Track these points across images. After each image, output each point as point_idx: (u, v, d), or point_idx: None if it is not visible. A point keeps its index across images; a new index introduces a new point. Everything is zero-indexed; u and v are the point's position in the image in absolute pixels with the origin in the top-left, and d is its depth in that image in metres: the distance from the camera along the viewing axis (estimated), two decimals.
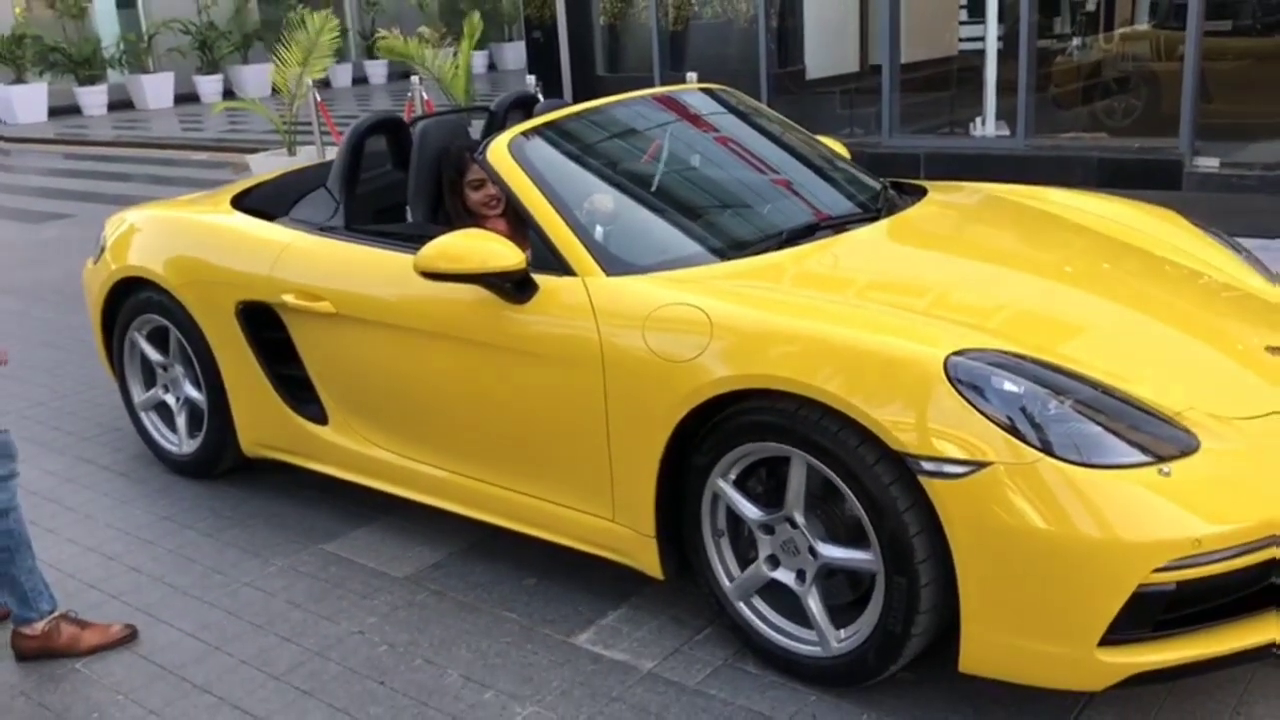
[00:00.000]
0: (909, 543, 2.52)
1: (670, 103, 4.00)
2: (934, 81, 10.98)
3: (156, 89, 21.37)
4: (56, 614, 3.22)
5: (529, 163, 3.35)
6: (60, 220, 10.33)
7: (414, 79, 10.82)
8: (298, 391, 3.94)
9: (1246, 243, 3.86)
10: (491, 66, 25.68)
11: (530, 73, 11.81)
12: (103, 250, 4.47)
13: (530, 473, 3.29)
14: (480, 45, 22.09)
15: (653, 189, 3.56)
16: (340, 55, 14.09)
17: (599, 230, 3.25)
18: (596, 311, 3.01)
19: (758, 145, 4.00)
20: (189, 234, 4.24)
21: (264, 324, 3.91)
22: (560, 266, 3.15)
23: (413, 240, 3.45)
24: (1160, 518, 2.36)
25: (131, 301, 4.33)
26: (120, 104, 21.18)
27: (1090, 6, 10.89)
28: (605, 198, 3.44)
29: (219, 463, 4.29)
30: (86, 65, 20.38)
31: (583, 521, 3.19)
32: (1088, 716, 2.69)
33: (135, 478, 4.44)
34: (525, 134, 3.48)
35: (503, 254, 3.08)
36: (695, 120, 3.97)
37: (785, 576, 2.86)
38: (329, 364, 3.78)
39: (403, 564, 3.62)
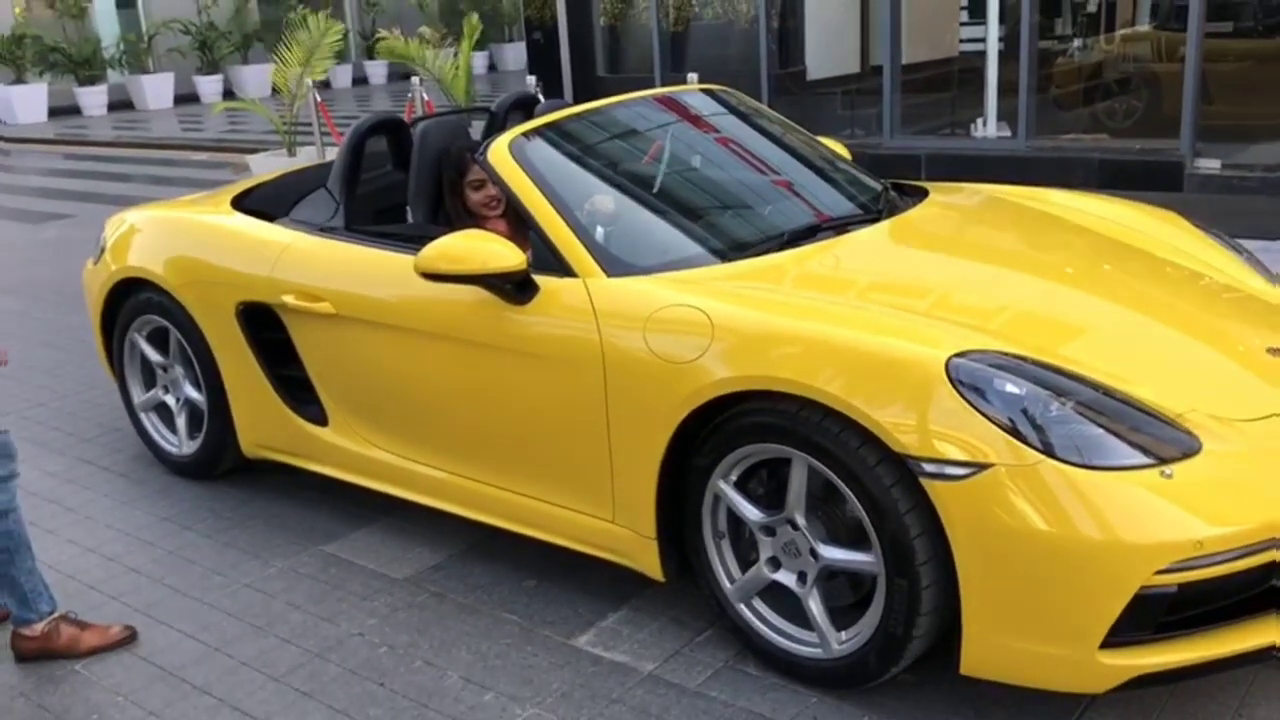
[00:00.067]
0: (910, 544, 2.52)
1: (671, 103, 3.99)
2: (935, 82, 10.98)
3: (156, 89, 21.37)
4: (56, 615, 3.21)
5: (530, 163, 3.35)
6: (60, 221, 10.33)
7: (414, 80, 10.82)
8: (298, 392, 3.94)
9: (1247, 244, 3.86)
10: (492, 67, 25.69)
11: (531, 73, 11.81)
12: (103, 251, 4.47)
13: (530, 474, 3.29)
14: (480, 46, 22.15)
15: (654, 190, 3.56)
16: (340, 56, 14.07)
17: (600, 231, 3.25)
18: (597, 312, 3.01)
19: (759, 146, 3.99)
20: (189, 234, 4.24)
21: (264, 325, 3.91)
22: (561, 267, 3.14)
23: (413, 241, 3.45)
24: (1162, 520, 2.35)
25: (131, 302, 4.32)
26: (120, 104, 21.19)
27: (1091, 8, 10.89)
28: (606, 198, 3.43)
29: (219, 464, 4.29)
30: (86, 65, 20.39)
31: (583, 523, 3.19)
32: (1089, 719, 2.68)
33: (135, 479, 4.43)
34: (526, 135, 3.48)
35: (503, 255, 3.08)
36: (696, 121, 3.97)
37: (786, 578, 2.85)
38: (329, 365, 3.78)
39: (403, 565, 3.62)
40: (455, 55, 11.31)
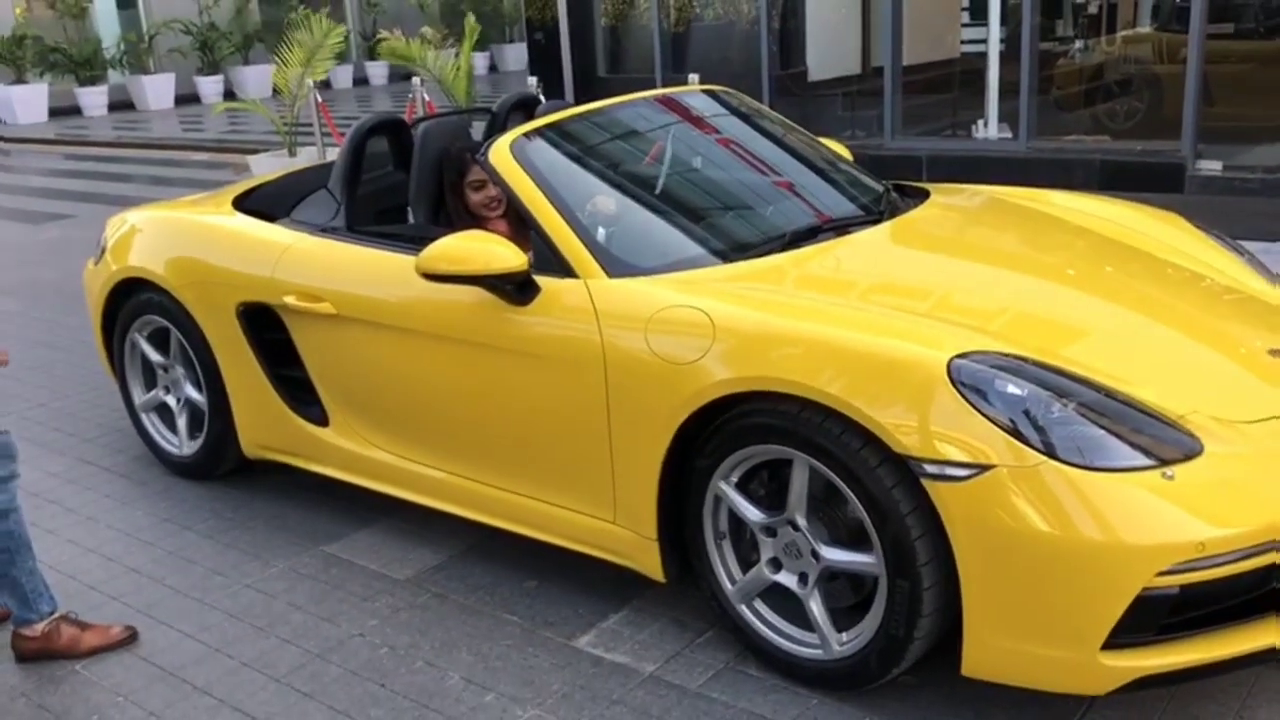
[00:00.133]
0: (911, 546, 2.52)
1: (672, 104, 3.99)
2: (936, 84, 10.97)
3: (157, 90, 21.37)
4: (57, 615, 3.21)
5: (531, 164, 3.35)
6: (61, 221, 10.33)
7: (415, 80, 10.83)
8: (298, 393, 3.94)
9: (1249, 246, 3.85)
10: (493, 68, 25.68)
11: (532, 74, 11.81)
12: (103, 251, 4.47)
13: (531, 475, 3.29)
14: (481, 46, 22.15)
15: (655, 191, 3.56)
16: (341, 56, 14.08)
17: (601, 232, 3.25)
18: (598, 313, 3.01)
19: (760, 147, 3.99)
20: (190, 235, 4.24)
21: (265, 325, 3.90)
22: (562, 268, 3.14)
23: (414, 242, 3.45)
24: (1164, 521, 2.35)
25: (132, 302, 4.32)
26: (121, 104, 21.18)
27: (1092, 9, 10.89)
28: (607, 199, 3.43)
29: (220, 464, 4.29)
30: (87, 66, 20.38)
31: (584, 524, 3.19)
32: None
33: (136, 479, 4.43)
34: (527, 135, 3.48)
35: (505, 256, 3.08)
36: (697, 122, 3.97)
37: (787, 579, 2.85)
38: (330, 365, 3.78)
39: (404, 566, 3.62)
40: (456, 56, 11.31)
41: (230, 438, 4.15)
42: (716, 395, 2.75)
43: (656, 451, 2.89)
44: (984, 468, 2.40)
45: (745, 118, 4.09)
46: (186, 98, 21.56)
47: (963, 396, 2.46)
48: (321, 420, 3.88)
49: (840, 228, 3.44)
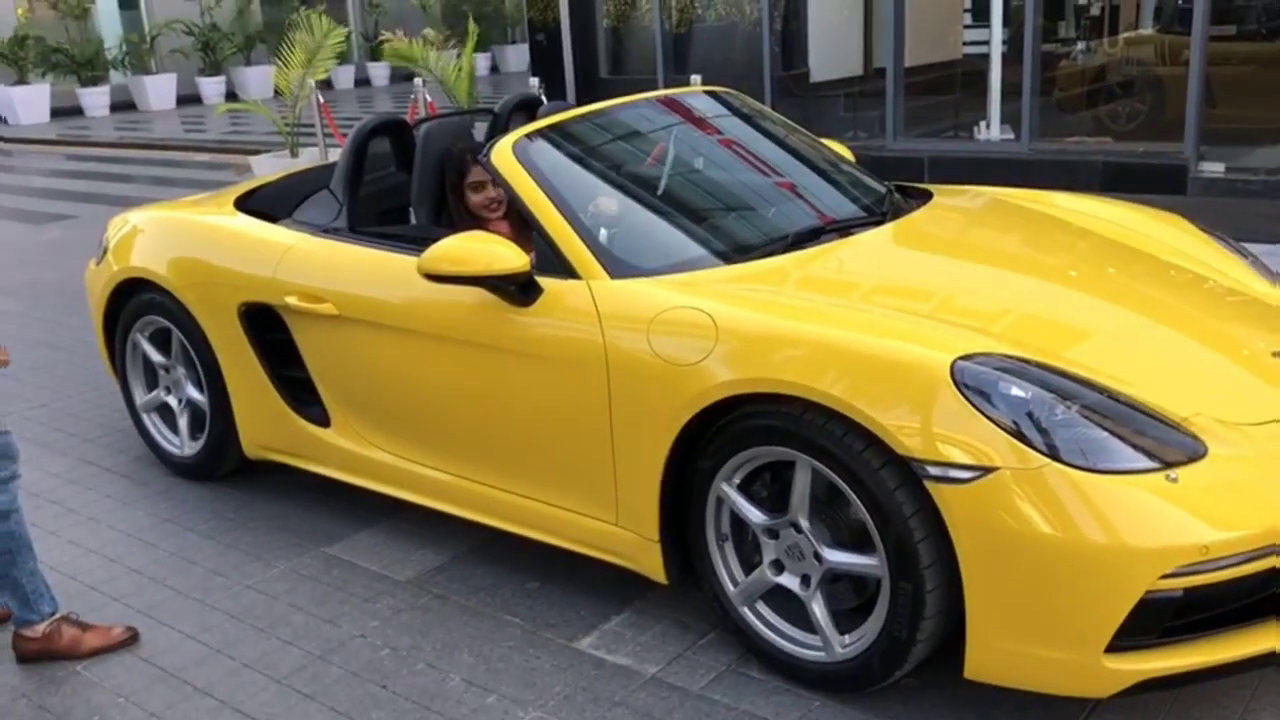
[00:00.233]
0: (914, 548, 2.51)
1: (674, 105, 3.99)
2: (938, 85, 10.98)
3: (159, 90, 21.38)
4: (58, 616, 3.21)
5: (533, 165, 3.34)
6: (63, 221, 10.33)
7: (417, 81, 10.83)
8: (300, 394, 3.93)
9: (1252, 247, 3.85)
10: (494, 69, 25.69)
11: (534, 75, 11.82)
12: (105, 251, 4.47)
13: (533, 476, 3.28)
14: (483, 47, 22.15)
15: (657, 192, 3.56)
16: (342, 57, 14.07)
17: (603, 233, 3.24)
18: (601, 314, 3.00)
19: (762, 148, 3.99)
20: (192, 235, 4.23)
21: (267, 326, 3.90)
22: (564, 269, 3.14)
23: (416, 243, 3.45)
24: (1168, 524, 2.34)
25: (134, 303, 4.32)
26: (122, 105, 21.19)
27: (1095, 11, 10.89)
28: (609, 200, 3.43)
29: (221, 465, 4.28)
30: (89, 66, 20.38)
31: (586, 525, 3.18)
32: None
33: (137, 480, 4.43)
34: (529, 136, 3.47)
35: (507, 257, 3.08)
36: (699, 123, 3.96)
37: (790, 581, 2.85)
38: (332, 366, 3.77)
39: (405, 567, 3.61)
40: (458, 57, 11.31)
41: (231, 438, 4.14)
42: (719, 397, 2.74)
43: (659, 453, 2.89)
44: (987, 470, 2.40)
45: (747, 119, 4.09)
46: (188, 98, 21.57)
47: (966, 398, 2.45)
48: (323, 421, 3.88)
49: (843, 229, 3.43)
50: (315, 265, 3.75)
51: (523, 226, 3.47)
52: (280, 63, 11.22)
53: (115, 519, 4.09)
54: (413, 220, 3.93)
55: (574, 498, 3.19)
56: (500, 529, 3.44)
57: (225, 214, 4.27)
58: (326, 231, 3.86)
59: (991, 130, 9.56)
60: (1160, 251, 3.56)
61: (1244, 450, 2.54)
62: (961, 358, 2.51)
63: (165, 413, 4.47)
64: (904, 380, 2.51)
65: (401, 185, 4.07)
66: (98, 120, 19.95)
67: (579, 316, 3.04)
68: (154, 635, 3.30)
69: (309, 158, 10.85)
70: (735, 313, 2.82)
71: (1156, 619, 2.36)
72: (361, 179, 4.01)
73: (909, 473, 2.49)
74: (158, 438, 4.48)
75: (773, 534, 2.84)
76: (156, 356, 4.37)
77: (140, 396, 4.49)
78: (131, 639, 3.26)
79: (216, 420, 4.16)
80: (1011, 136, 9.35)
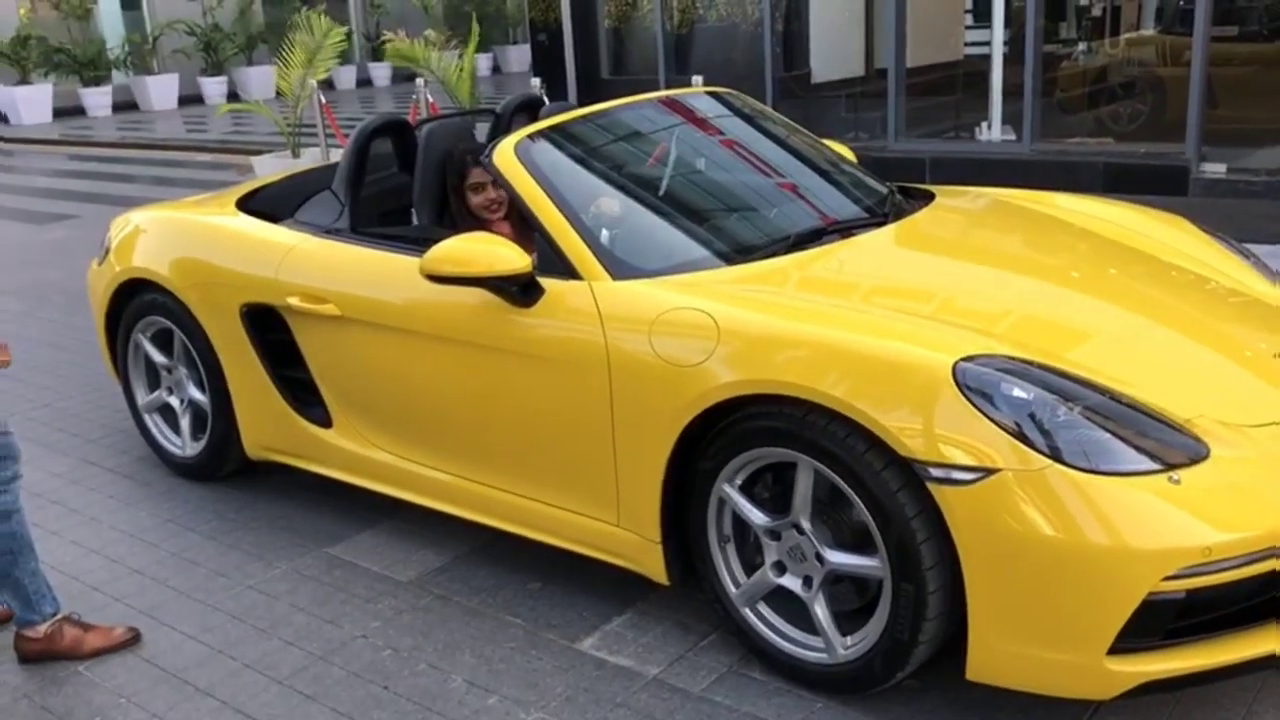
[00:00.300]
0: (916, 549, 2.51)
1: (676, 106, 3.99)
2: (940, 86, 10.97)
3: (161, 90, 21.40)
4: (59, 616, 3.21)
5: (535, 166, 3.34)
6: (65, 221, 10.34)
7: (419, 81, 10.83)
8: (302, 394, 3.93)
9: (1253, 248, 3.85)
10: (496, 69, 25.70)
11: (535, 75, 11.82)
12: (107, 252, 4.47)
13: (535, 477, 3.28)
14: (484, 48, 22.15)
15: (659, 192, 3.55)
16: (344, 57, 14.06)
17: (605, 234, 3.24)
18: (602, 315, 3.00)
19: (764, 149, 3.99)
20: (194, 236, 4.23)
21: (268, 326, 3.90)
22: (566, 270, 3.14)
23: (418, 243, 3.45)
24: (1170, 526, 2.34)
25: (136, 303, 4.32)
26: (124, 105, 21.20)
27: (1096, 11, 10.88)
28: (611, 201, 3.43)
29: (223, 465, 4.28)
30: (91, 66, 20.40)
31: (587, 526, 3.18)
32: None
33: (139, 480, 4.43)
34: (531, 137, 3.47)
35: (509, 258, 3.08)
36: (701, 123, 3.96)
37: (792, 583, 2.84)
38: (333, 367, 3.77)
39: (407, 568, 3.61)
40: (460, 57, 11.31)
41: (233, 439, 4.14)
42: (721, 398, 2.74)
43: (660, 454, 2.89)
44: (989, 471, 2.40)
45: (749, 119, 4.08)
46: (190, 98, 21.59)
47: (968, 400, 2.45)
48: (324, 421, 3.88)
49: (844, 230, 3.43)
50: (317, 266, 3.75)
51: (524, 227, 3.47)
52: (282, 63, 11.22)
53: (117, 519, 4.09)
54: (415, 221, 3.93)
55: (575, 498, 3.19)
56: (502, 530, 3.44)
57: (227, 214, 4.27)
58: (328, 232, 3.86)
59: (993, 131, 9.56)
60: (1162, 252, 3.56)
61: (1246, 452, 2.53)
62: (963, 359, 2.51)
63: (167, 413, 4.47)
64: (906, 381, 2.51)
65: (403, 186, 4.07)
66: (100, 120, 19.97)
67: (581, 317, 3.04)
68: (156, 636, 3.31)
69: (311, 158, 10.85)
70: (737, 314, 2.82)
71: (1159, 621, 2.36)
72: (363, 180, 4.01)
73: (911, 474, 2.49)
74: (160, 438, 4.48)
75: (775, 535, 2.84)
76: (158, 357, 4.37)
77: (142, 397, 4.50)
78: (133, 639, 3.26)
79: (218, 421, 4.16)
80: (1013, 137, 9.35)
